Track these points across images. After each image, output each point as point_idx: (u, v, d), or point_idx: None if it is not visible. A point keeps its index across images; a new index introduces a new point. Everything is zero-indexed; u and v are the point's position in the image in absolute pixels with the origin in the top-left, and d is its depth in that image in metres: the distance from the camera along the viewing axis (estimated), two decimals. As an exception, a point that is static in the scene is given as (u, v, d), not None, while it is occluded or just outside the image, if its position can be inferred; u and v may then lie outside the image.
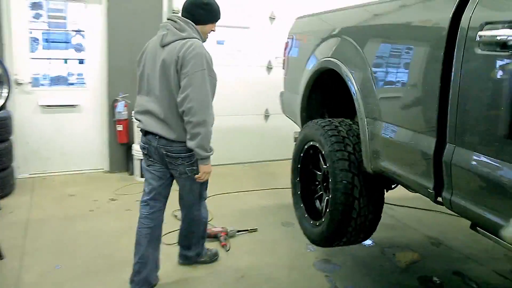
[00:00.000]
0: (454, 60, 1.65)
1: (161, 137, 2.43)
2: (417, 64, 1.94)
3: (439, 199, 1.82)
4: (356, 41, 2.44)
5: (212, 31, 2.59)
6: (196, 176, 2.49)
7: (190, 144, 2.36)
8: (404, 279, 2.87)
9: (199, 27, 2.49)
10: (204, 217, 2.86)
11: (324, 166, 2.78)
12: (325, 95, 3.22)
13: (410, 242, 3.41)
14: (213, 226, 3.41)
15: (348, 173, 2.41)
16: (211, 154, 2.43)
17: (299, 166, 3.03)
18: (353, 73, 2.41)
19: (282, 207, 4.08)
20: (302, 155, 2.98)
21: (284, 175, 5.17)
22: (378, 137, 2.20)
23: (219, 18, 2.60)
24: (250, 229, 3.51)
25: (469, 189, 1.64)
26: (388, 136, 2.12)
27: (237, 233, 3.43)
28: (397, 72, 2.09)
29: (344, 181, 2.40)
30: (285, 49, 3.77)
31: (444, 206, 1.82)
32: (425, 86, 1.87)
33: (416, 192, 2.01)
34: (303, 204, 2.99)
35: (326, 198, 2.78)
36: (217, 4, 2.57)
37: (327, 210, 2.54)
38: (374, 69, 2.24)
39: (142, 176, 4.80)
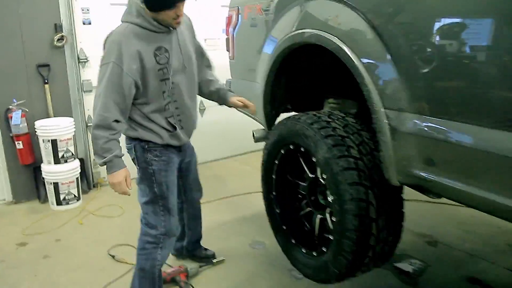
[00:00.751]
0: None
1: None
2: (479, 23, 1.30)
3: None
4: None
5: (177, 16, 1.99)
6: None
7: None
8: (421, 301, 2.32)
9: (151, 13, 1.96)
10: (159, 258, 2.21)
11: (311, 175, 2.11)
12: (290, 82, 2.53)
13: (405, 246, 2.85)
14: (167, 264, 2.60)
15: (359, 187, 1.75)
16: (108, 160, 1.94)
17: (274, 176, 2.33)
18: (354, 47, 1.73)
19: (243, 221, 3.36)
20: (277, 162, 2.27)
21: (231, 177, 4.46)
22: (409, 137, 1.55)
23: (175, 3, 1.93)
24: (216, 261, 2.73)
25: None
26: (429, 135, 1.47)
27: (200, 269, 2.65)
28: (438, 39, 1.43)
29: (355, 199, 1.74)
30: (228, 25, 3.00)
31: None
32: (498, 56, 1.23)
33: (489, 214, 1.39)
34: (285, 226, 2.31)
35: (320, 217, 2.12)
36: None
37: (334, 239, 1.87)
38: (391, 37, 1.57)
39: (58, 204, 3.85)
